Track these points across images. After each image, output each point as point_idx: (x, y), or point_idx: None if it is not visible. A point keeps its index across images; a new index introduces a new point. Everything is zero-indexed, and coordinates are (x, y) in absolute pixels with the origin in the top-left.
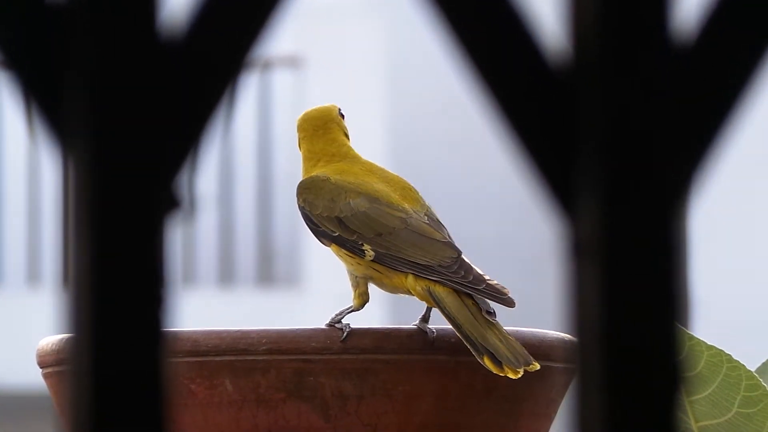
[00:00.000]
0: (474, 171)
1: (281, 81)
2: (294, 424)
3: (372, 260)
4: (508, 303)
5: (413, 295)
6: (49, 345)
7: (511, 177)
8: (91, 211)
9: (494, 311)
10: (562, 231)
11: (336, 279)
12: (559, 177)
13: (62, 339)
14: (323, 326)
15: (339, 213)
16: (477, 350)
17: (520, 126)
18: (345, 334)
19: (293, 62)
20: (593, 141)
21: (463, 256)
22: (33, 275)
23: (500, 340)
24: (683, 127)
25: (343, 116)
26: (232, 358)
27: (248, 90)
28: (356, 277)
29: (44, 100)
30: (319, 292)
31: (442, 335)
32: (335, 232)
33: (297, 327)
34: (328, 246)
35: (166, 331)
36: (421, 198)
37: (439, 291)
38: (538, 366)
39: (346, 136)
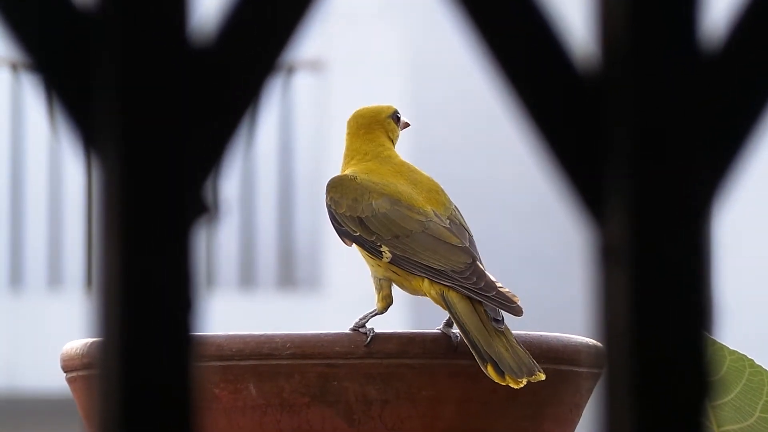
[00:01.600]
0: (497, 174)
1: (303, 84)
2: (318, 429)
3: (389, 262)
4: (516, 312)
5: (430, 298)
6: (74, 349)
7: (536, 180)
8: (120, 215)
9: (502, 318)
10: (590, 236)
11: (357, 282)
12: (588, 182)
13: (88, 343)
14: (347, 330)
15: (361, 213)
16: (482, 358)
17: (549, 131)
18: (369, 338)
19: (315, 66)
20: (621, 146)
21: (477, 263)
22: (54, 279)
23: (506, 349)
24: (711, 132)
25: (398, 119)
26: (256, 362)
27: (271, 93)
28: (379, 279)
29: (74, 104)
30: (341, 295)
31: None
32: (356, 232)
33: (321, 331)
34: (350, 245)
35: (194, 336)
36: (448, 201)
37: (452, 296)
38: (542, 376)
39: (392, 139)
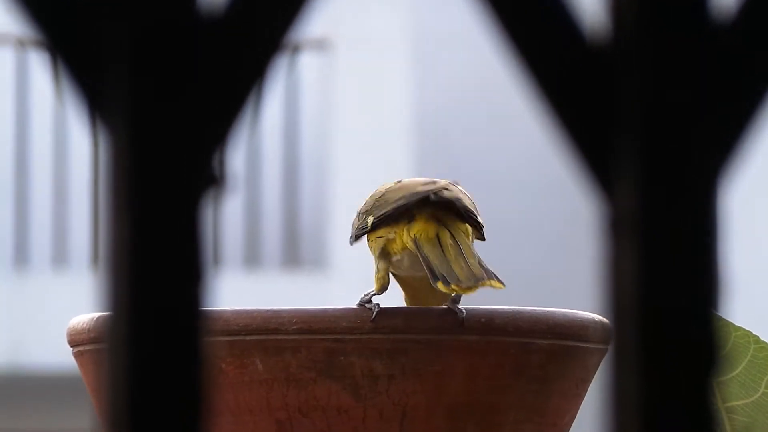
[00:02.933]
0: (504, 148)
1: (308, 63)
2: (324, 404)
3: (372, 229)
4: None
5: (411, 250)
6: (82, 323)
7: (544, 154)
8: (130, 188)
9: (434, 194)
10: (598, 209)
11: (362, 262)
12: (597, 154)
13: (95, 317)
14: (354, 306)
15: (366, 208)
16: (434, 276)
17: (557, 103)
18: (375, 314)
19: (320, 45)
20: (631, 118)
21: (439, 190)
22: (59, 257)
23: (461, 268)
24: (722, 104)
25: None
26: (263, 337)
27: (279, 68)
28: (376, 261)
29: (82, 78)
30: (346, 274)
31: (472, 315)
32: (359, 224)
33: (328, 307)
34: (357, 241)
35: (205, 310)
36: (459, 189)
37: (422, 239)
38: (493, 284)
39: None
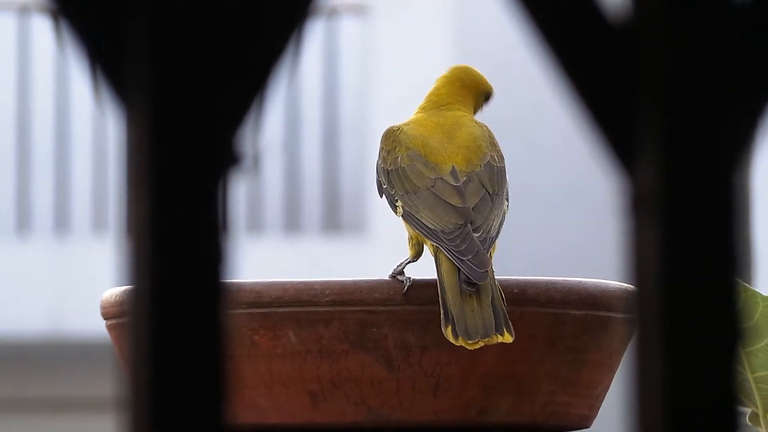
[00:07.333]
0: (535, 121)
1: (347, 28)
2: (357, 375)
3: (401, 216)
4: (478, 278)
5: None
6: (113, 297)
7: (573, 129)
8: (151, 162)
9: (475, 283)
10: (622, 184)
11: (402, 226)
12: (620, 131)
13: (125, 291)
14: (386, 277)
15: (389, 166)
16: (446, 318)
17: (581, 80)
18: (406, 286)
19: (359, 9)
20: (653, 94)
21: (469, 224)
22: (100, 223)
23: (472, 311)
24: (745, 79)
25: (487, 101)
26: (296, 309)
27: (314, 37)
28: (406, 228)
29: (105, 50)
30: (386, 239)
31: (504, 287)
32: (384, 185)
33: (360, 278)
34: (381, 197)
35: (225, 283)
36: (480, 157)
37: (441, 255)
38: (500, 338)
39: (474, 109)
